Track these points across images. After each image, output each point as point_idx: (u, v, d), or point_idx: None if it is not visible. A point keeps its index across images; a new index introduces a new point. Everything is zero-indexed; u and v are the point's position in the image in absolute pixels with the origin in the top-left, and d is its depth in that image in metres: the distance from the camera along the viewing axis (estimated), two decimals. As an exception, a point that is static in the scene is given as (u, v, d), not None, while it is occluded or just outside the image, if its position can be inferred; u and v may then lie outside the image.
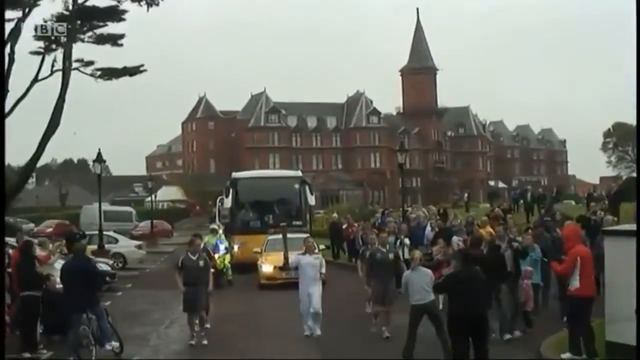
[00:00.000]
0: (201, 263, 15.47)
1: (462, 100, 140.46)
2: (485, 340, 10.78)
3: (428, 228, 23.65)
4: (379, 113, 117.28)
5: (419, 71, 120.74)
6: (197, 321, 15.40)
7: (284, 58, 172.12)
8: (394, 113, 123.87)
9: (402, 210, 32.95)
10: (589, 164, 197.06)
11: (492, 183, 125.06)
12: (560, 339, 12.65)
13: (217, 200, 40.41)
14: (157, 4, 34.29)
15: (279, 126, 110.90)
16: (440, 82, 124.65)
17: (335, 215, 38.16)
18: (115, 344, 13.56)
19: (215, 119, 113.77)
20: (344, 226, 32.10)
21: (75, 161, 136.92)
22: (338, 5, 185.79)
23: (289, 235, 18.07)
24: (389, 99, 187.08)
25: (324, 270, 15.83)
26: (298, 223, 29.25)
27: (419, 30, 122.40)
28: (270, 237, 24.65)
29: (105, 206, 54.15)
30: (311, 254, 15.84)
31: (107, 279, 22.99)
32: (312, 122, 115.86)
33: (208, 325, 15.96)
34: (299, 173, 35.57)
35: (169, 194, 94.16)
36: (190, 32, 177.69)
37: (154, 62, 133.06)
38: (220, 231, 25.85)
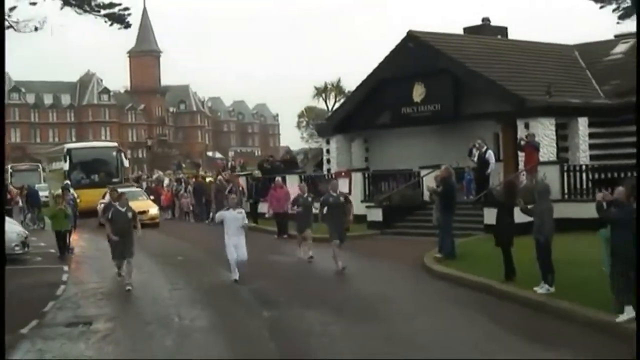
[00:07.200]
0: (129, 214, 16.65)
1: (184, 79, 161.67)
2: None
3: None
4: (109, 91, 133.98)
5: (145, 53, 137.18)
6: (124, 268, 16.59)
7: (22, 40, 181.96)
8: (122, 91, 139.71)
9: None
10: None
11: (210, 154, 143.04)
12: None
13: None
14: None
15: (20, 103, 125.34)
16: (163, 63, 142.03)
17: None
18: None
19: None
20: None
21: None
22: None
23: (125, 190, 23.47)
24: (118, 79, 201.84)
25: (246, 222, 17.32)
26: (116, 180, 37.24)
27: (145, 15, 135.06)
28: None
29: None
30: (235, 209, 17.16)
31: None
32: (48, 99, 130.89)
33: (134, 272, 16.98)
34: (116, 144, 49.38)
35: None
36: None
37: None
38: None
